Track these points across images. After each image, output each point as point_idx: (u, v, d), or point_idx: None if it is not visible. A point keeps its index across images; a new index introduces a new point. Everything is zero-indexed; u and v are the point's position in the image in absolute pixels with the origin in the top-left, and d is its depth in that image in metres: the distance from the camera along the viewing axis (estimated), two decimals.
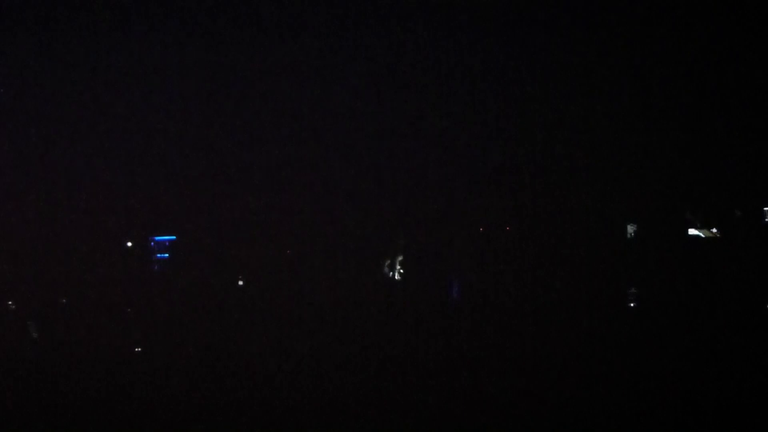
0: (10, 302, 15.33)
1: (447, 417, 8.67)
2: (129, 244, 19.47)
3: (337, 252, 19.66)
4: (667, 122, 17.57)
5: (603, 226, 16.94)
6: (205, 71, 21.03)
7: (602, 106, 18.72)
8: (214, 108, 21.47)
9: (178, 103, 21.40)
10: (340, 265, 18.75)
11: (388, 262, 18.56)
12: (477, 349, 10.76)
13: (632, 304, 14.18)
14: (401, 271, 18.45)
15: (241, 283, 18.22)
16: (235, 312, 13.85)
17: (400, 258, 18.23)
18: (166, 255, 20.48)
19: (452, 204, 18.57)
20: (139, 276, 18.37)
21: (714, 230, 15.67)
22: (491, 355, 10.46)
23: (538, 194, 18.53)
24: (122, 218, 19.40)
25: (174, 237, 20.59)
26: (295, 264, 19.54)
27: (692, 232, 15.92)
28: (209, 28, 20.91)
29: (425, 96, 20.60)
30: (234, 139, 22.58)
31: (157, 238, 20.41)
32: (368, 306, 13.77)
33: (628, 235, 16.75)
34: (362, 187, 22.40)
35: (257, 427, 8.61)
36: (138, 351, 11.05)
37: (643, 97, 18.06)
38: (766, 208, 15.33)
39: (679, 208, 16.30)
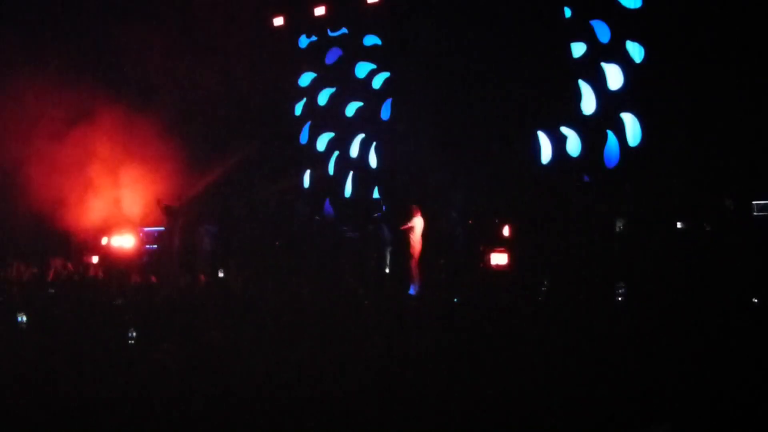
0: None
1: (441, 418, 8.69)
2: (119, 235, 19.46)
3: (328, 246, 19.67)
4: (658, 117, 17.64)
5: (592, 220, 16.98)
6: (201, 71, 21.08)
7: (593, 104, 18.80)
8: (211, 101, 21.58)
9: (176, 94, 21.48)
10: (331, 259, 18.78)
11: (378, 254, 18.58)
12: (470, 346, 10.76)
13: (620, 298, 14.21)
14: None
15: (221, 275, 18.28)
16: (226, 305, 13.80)
17: (390, 248, 18.27)
18: (155, 246, 20.49)
19: (444, 196, 18.62)
20: (130, 266, 18.37)
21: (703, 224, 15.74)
22: (485, 352, 10.47)
23: (528, 189, 18.58)
24: (112, 209, 19.41)
25: (162, 228, 20.59)
26: (284, 255, 19.55)
27: (681, 225, 16.00)
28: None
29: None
30: (223, 133, 22.66)
31: (146, 229, 20.39)
32: (360, 302, 13.75)
33: (617, 229, 16.78)
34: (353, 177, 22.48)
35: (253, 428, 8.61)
36: (131, 342, 11.03)
37: (636, 95, 18.14)
38: (754, 202, 15.41)
39: (668, 202, 16.36)
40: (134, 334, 11.19)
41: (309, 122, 23.41)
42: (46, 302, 14.06)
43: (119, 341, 11.29)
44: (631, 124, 18.14)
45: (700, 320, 11.69)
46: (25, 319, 12.66)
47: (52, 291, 15.58)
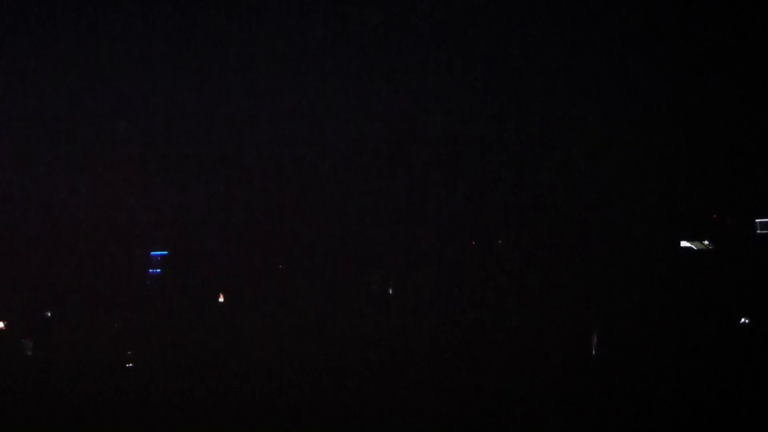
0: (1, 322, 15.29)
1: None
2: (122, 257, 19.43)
3: (329, 266, 19.64)
4: (659, 133, 17.61)
5: (595, 236, 16.97)
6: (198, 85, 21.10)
7: (593, 119, 18.78)
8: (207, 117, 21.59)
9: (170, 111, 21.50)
10: (332, 279, 18.73)
11: (381, 276, 18.52)
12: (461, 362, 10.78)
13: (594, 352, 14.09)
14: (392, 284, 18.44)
15: (222, 299, 18.19)
16: (227, 327, 13.84)
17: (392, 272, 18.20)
18: (158, 270, 20.41)
19: (442, 218, 18.57)
20: (132, 291, 18.35)
21: (706, 242, 15.70)
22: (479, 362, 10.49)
23: (526, 204, 18.55)
24: (115, 233, 19.38)
25: (166, 252, 20.51)
26: (286, 277, 19.51)
27: (684, 243, 15.95)
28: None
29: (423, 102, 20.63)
30: (226, 149, 22.65)
31: (150, 253, 20.31)
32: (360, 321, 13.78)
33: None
34: (357, 199, 22.42)
35: None
36: (129, 366, 11.04)
37: (635, 108, 18.11)
38: (757, 220, 15.37)
39: (671, 219, 16.34)
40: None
41: None
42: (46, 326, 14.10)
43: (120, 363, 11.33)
44: None
45: (704, 335, 11.69)
46: (30, 345, 12.70)
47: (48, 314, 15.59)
